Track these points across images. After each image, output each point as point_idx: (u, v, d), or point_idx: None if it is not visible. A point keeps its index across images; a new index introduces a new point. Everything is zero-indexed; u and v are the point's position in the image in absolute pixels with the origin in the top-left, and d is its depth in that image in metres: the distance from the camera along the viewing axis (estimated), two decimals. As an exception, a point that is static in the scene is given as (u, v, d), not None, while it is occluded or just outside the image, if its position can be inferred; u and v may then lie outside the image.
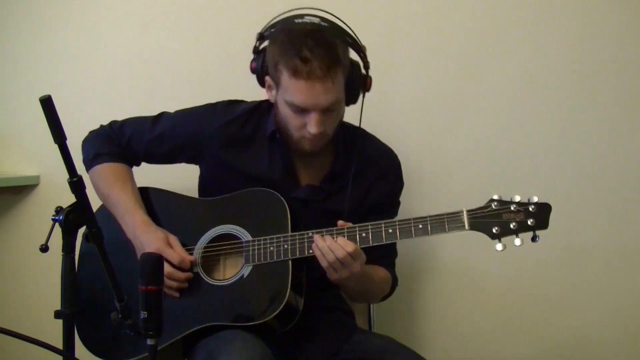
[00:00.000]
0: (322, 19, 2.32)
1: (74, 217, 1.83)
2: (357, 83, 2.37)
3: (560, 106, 3.13)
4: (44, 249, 1.84)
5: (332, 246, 2.21)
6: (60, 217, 1.83)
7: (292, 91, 2.27)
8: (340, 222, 2.28)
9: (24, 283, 3.27)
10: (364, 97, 2.42)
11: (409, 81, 3.17)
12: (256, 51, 2.42)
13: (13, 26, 3.25)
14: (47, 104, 1.66)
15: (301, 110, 2.28)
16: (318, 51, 2.21)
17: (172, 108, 2.59)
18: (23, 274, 3.26)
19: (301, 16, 2.33)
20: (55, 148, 1.71)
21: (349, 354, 2.46)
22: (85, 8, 3.21)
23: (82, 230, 1.89)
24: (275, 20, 2.38)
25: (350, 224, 2.27)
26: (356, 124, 2.50)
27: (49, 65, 3.22)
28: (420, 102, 3.18)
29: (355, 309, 2.69)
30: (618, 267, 3.22)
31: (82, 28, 3.22)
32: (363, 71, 2.40)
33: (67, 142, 1.72)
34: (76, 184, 1.78)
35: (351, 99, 2.39)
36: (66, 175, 1.75)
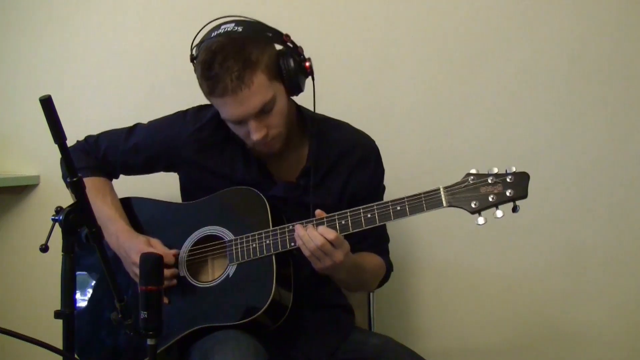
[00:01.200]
0: (237, 22, 2.30)
1: (74, 217, 1.82)
2: (293, 71, 2.30)
3: (559, 106, 3.14)
4: (44, 249, 1.83)
5: (312, 234, 2.20)
6: (60, 217, 1.82)
7: (219, 109, 2.29)
8: (318, 212, 2.27)
9: (24, 283, 3.28)
10: (313, 81, 2.36)
11: (408, 82, 3.18)
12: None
13: (13, 26, 3.26)
14: (47, 104, 1.66)
15: (239, 122, 2.27)
16: (227, 64, 2.18)
17: (170, 107, 2.61)
18: (23, 274, 3.27)
19: (217, 27, 2.31)
20: (55, 148, 1.70)
21: (347, 353, 2.46)
22: (85, 9, 3.22)
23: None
24: (196, 39, 2.36)
25: (325, 214, 2.26)
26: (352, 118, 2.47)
27: (49, 65, 3.24)
28: (419, 103, 3.19)
29: (355, 306, 2.70)
30: (617, 267, 3.23)
31: (82, 28, 3.23)
32: (297, 57, 2.32)
33: (67, 142, 1.73)
34: (76, 184, 1.78)
35: (294, 88, 2.34)
36: (66, 175, 1.75)
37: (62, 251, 1.86)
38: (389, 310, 3.13)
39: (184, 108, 2.60)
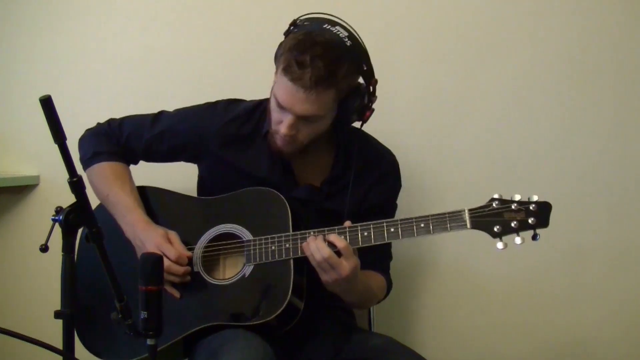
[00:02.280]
0: (351, 36, 2.30)
1: (74, 217, 1.82)
2: (353, 109, 2.35)
3: (560, 106, 3.16)
4: (44, 249, 1.83)
5: (319, 245, 2.23)
6: (60, 217, 1.82)
7: (279, 85, 2.27)
8: (347, 223, 2.29)
9: (24, 283, 3.30)
10: (362, 124, 2.43)
11: (408, 81, 3.21)
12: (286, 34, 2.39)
13: (13, 27, 3.28)
14: (47, 104, 1.66)
15: (281, 107, 2.28)
16: (318, 62, 2.19)
17: (170, 107, 2.62)
18: (23, 274, 3.29)
19: (334, 24, 2.31)
20: (55, 148, 1.70)
21: (350, 353, 2.45)
22: (84, 9, 3.24)
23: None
24: (312, 16, 2.35)
25: (351, 224, 2.29)
26: None
27: (48, 65, 3.26)
28: (420, 102, 3.22)
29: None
30: (618, 267, 3.25)
31: (81, 28, 3.26)
32: (366, 103, 2.37)
33: (67, 142, 1.72)
34: (76, 184, 1.78)
35: (344, 120, 2.39)
36: (66, 175, 1.75)
37: (62, 251, 1.86)
38: (388, 313, 3.14)
39: (186, 106, 2.61)
